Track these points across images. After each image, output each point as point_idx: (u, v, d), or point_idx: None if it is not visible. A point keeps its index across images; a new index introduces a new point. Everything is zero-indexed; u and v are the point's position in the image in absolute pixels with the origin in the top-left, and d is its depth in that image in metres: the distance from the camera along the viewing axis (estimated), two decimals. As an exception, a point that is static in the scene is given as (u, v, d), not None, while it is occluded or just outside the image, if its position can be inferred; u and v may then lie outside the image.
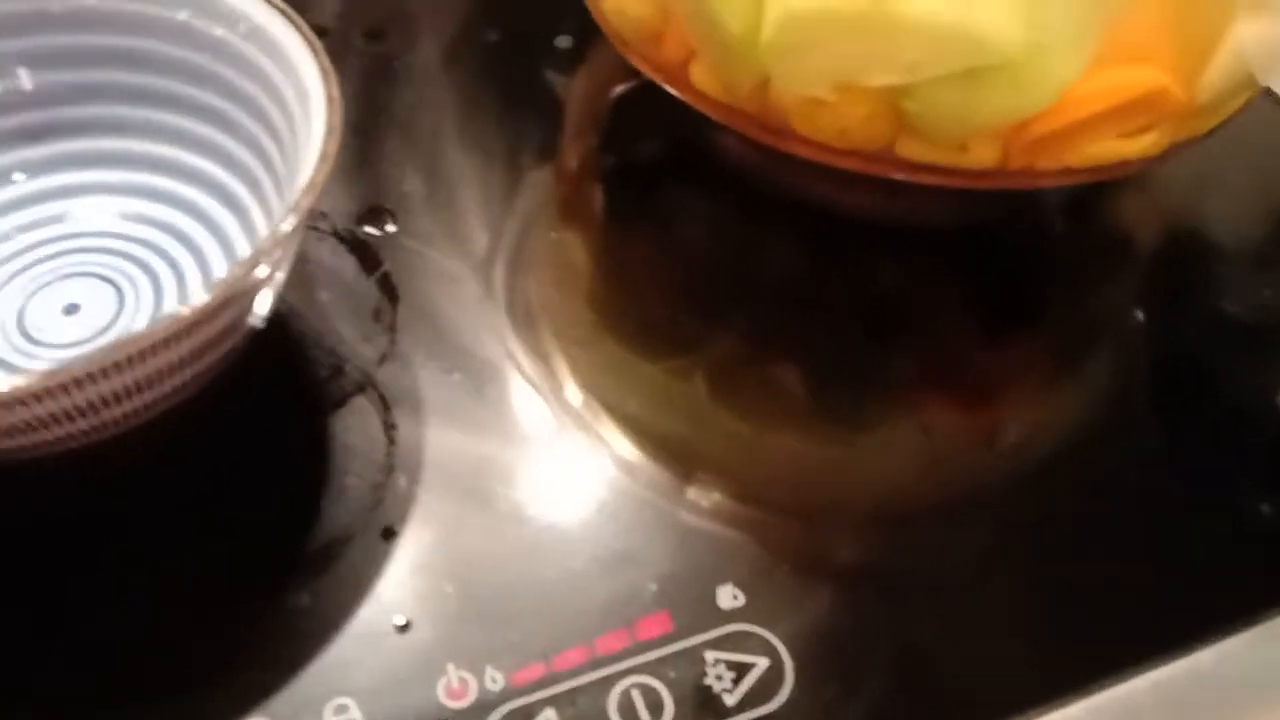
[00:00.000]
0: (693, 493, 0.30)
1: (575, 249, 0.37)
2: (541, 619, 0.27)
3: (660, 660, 0.26)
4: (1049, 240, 0.37)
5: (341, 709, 0.26)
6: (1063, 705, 0.26)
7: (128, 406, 0.25)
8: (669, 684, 0.26)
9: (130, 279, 0.31)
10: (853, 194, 0.34)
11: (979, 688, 0.27)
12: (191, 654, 0.27)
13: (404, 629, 0.27)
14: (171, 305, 0.31)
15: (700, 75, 0.33)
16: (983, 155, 0.31)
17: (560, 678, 0.26)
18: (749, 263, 0.36)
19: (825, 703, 0.26)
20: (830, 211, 0.35)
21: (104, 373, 0.24)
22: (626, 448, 0.31)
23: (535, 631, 0.27)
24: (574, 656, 0.26)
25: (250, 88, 0.30)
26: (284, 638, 0.27)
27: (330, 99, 0.27)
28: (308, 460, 0.30)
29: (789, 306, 0.35)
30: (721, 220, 0.37)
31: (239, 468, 0.30)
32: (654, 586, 0.28)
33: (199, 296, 0.24)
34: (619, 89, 0.36)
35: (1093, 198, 0.38)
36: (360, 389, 0.31)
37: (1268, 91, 0.36)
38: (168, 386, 0.26)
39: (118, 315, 0.31)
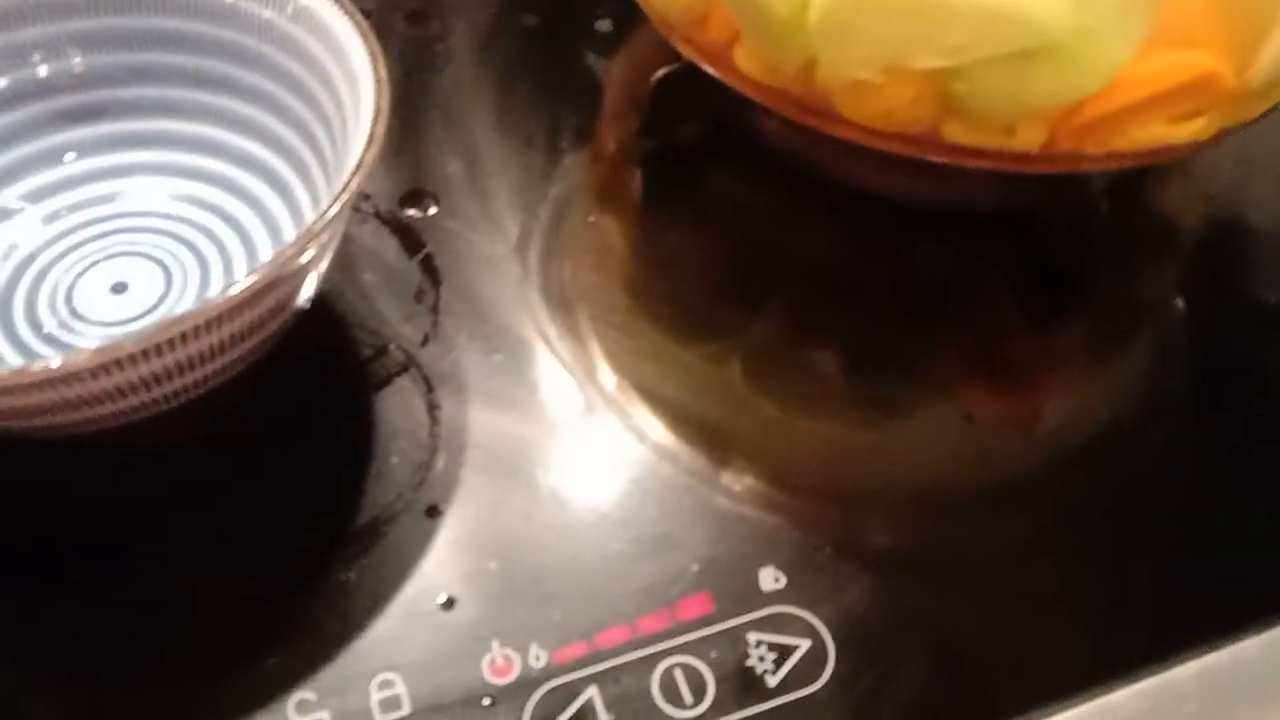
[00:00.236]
0: (731, 477, 0.30)
1: (614, 233, 0.37)
2: (584, 598, 0.27)
3: (702, 640, 0.27)
4: (1091, 225, 0.37)
5: (387, 684, 0.26)
6: (1106, 692, 0.26)
7: (176, 384, 0.26)
8: (711, 664, 0.26)
9: (178, 259, 0.32)
10: (893, 177, 0.34)
11: (1019, 673, 0.27)
12: (238, 630, 0.27)
13: (448, 606, 0.27)
14: (218, 287, 0.31)
15: (744, 58, 0.33)
16: (1029, 139, 0.30)
17: (603, 656, 0.26)
18: (788, 247, 0.36)
19: (867, 686, 0.26)
20: (870, 195, 0.35)
21: (156, 350, 0.24)
22: (665, 433, 0.31)
23: (577, 611, 0.27)
24: (616, 635, 0.27)
25: (298, 69, 0.31)
26: (330, 614, 0.27)
27: (378, 81, 0.28)
28: (352, 439, 0.30)
29: (828, 291, 0.35)
30: (760, 204, 0.37)
31: (284, 447, 0.30)
32: (695, 568, 0.28)
33: (248, 277, 0.24)
34: (659, 72, 0.35)
35: (1136, 183, 0.38)
36: (403, 369, 0.31)
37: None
38: (216, 365, 0.26)
39: (165, 295, 0.31)
